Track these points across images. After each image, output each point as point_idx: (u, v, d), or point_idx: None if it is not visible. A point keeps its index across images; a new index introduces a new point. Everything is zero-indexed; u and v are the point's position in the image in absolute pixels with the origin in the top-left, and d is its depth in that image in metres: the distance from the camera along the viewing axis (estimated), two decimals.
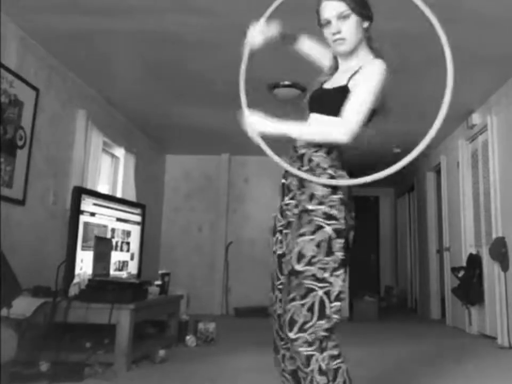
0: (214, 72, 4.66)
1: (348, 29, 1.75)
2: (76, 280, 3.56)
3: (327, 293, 1.59)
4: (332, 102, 1.74)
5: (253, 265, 7.67)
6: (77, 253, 3.76)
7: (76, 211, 3.83)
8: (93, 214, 4.06)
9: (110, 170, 6.04)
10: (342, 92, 1.72)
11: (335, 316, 1.60)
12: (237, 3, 3.49)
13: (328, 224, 1.63)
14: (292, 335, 1.58)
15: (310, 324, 1.56)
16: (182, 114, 5.95)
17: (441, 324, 6.56)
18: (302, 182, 1.72)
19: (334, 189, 1.67)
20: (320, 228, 1.62)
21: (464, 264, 5.57)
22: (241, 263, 7.66)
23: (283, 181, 1.84)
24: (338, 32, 1.76)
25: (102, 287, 3.43)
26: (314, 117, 1.82)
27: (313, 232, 1.62)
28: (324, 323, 1.57)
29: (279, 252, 1.82)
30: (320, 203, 1.65)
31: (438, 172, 7.09)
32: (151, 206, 5.98)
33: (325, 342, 1.58)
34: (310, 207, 1.66)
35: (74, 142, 4.81)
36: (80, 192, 3.94)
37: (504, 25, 3.67)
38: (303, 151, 1.76)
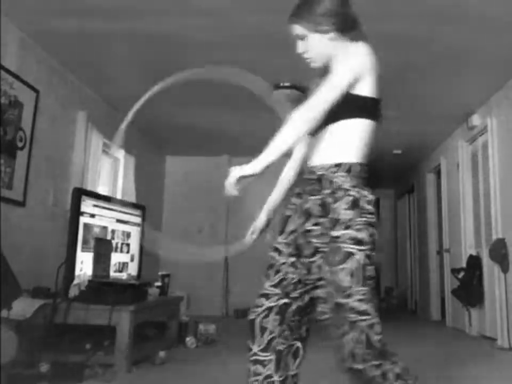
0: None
1: (311, 48, 1.74)
2: (75, 281, 3.56)
3: (371, 327, 1.55)
4: (336, 112, 1.64)
5: (253, 266, 7.67)
6: (77, 254, 3.76)
7: (76, 212, 3.83)
8: (93, 216, 4.06)
9: (110, 171, 6.04)
10: (347, 96, 1.65)
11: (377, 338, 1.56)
12: (237, 4, 3.49)
13: (359, 250, 1.56)
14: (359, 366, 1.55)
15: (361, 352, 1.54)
16: (182, 115, 5.95)
17: (441, 325, 6.56)
18: (326, 207, 1.64)
19: (359, 211, 1.59)
20: (350, 254, 1.55)
21: (464, 265, 5.57)
22: (241, 264, 7.65)
23: (296, 199, 1.78)
24: (304, 53, 1.77)
25: (102, 288, 3.42)
26: (324, 133, 1.71)
27: (342, 261, 1.55)
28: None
29: (272, 261, 1.75)
30: (347, 227, 1.57)
31: (438, 173, 7.09)
32: (151, 207, 5.97)
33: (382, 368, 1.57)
34: (335, 233, 1.58)
35: (74, 143, 4.81)
36: (80, 193, 3.93)
37: (505, 27, 3.67)
38: (320, 172, 1.67)
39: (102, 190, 5.61)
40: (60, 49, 4.28)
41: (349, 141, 1.67)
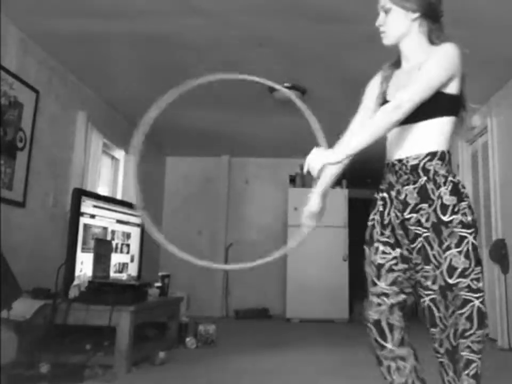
0: (214, 73, 4.65)
1: (389, 22, 1.77)
2: (75, 282, 3.56)
3: (483, 302, 1.64)
4: (426, 107, 1.69)
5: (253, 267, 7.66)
6: (77, 254, 3.75)
7: (76, 213, 3.82)
8: (93, 216, 4.06)
9: (110, 172, 6.04)
10: (437, 96, 1.70)
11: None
12: (237, 4, 3.49)
13: (470, 233, 1.65)
14: (454, 342, 1.64)
15: (470, 332, 1.62)
16: (182, 116, 5.95)
17: None
18: (425, 194, 1.70)
19: (460, 195, 1.69)
20: (464, 238, 1.64)
21: None
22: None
23: (384, 194, 1.81)
24: (381, 25, 1.80)
25: (102, 289, 3.42)
26: (410, 127, 1.75)
27: (458, 244, 1.64)
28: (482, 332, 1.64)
29: (380, 261, 1.78)
30: (454, 212, 1.66)
31: None
32: (151, 208, 5.97)
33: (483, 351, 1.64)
34: (445, 218, 1.66)
35: (74, 144, 4.81)
36: (80, 194, 3.93)
37: (505, 28, 3.67)
38: (414, 162, 1.72)
39: (102, 190, 5.61)
40: (59, 50, 4.29)
41: (439, 133, 1.73)
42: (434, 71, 1.67)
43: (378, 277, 1.77)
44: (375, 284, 1.78)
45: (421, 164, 1.71)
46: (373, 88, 1.93)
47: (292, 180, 7.38)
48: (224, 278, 7.60)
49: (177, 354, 3.97)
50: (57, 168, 4.56)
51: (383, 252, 1.78)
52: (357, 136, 1.63)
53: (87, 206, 3.97)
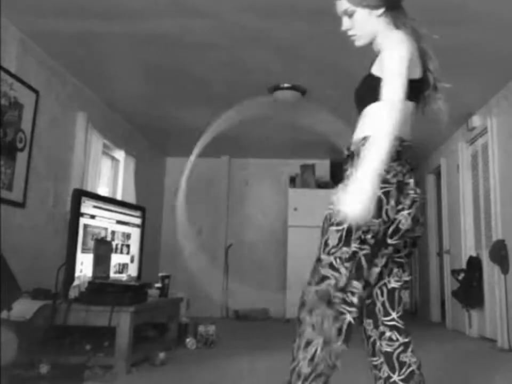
0: (214, 74, 4.66)
1: (357, 24, 1.76)
2: (75, 282, 3.56)
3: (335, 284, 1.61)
4: (364, 97, 1.71)
5: (253, 267, 7.68)
6: (77, 255, 3.76)
7: (76, 213, 3.82)
8: (93, 217, 4.06)
9: (110, 172, 6.04)
10: (368, 80, 1.70)
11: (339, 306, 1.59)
12: (237, 5, 3.49)
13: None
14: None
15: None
16: (182, 116, 5.95)
17: (441, 327, 6.56)
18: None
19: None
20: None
21: (464, 266, 5.57)
22: (242, 265, 7.66)
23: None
24: (348, 29, 1.79)
25: (102, 289, 3.42)
26: (360, 114, 1.76)
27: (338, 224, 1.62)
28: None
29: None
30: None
31: (438, 174, 7.09)
32: (151, 209, 5.97)
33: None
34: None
35: (74, 145, 4.81)
36: (80, 194, 3.93)
37: (505, 28, 3.67)
38: (353, 147, 1.72)
39: (102, 191, 5.61)
40: (59, 50, 4.29)
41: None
42: (396, 56, 1.59)
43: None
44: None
45: (357, 149, 1.68)
46: None
47: (292, 181, 7.39)
48: (224, 278, 7.60)
49: (177, 355, 3.96)
50: (57, 169, 4.56)
51: None
52: (368, 156, 1.52)
53: (87, 206, 3.97)
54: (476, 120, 5.44)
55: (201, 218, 7.83)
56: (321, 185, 7.31)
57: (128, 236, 4.67)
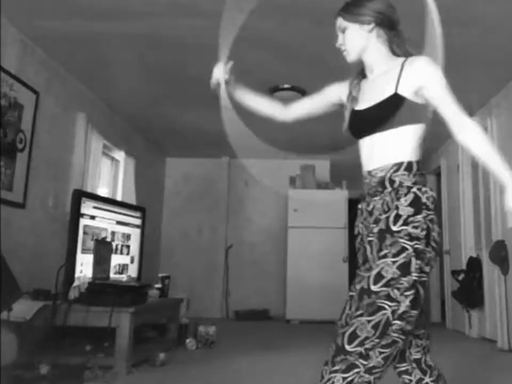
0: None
1: (347, 39, 1.82)
2: (76, 283, 3.56)
3: (394, 313, 1.59)
4: (385, 115, 1.71)
5: (253, 268, 7.68)
6: (77, 256, 3.76)
7: (76, 214, 3.83)
8: (93, 217, 4.06)
9: (110, 173, 6.04)
10: (394, 100, 1.70)
11: (394, 334, 1.59)
12: (236, 6, 3.49)
13: (412, 246, 1.61)
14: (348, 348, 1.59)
15: (370, 339, 1.58)
16: (182, 117, 5.95)
17: (441, 327, 6.55)
18: (385, 204, 1.70)
19: (419, 208, 1.66)
20: (404, 249, 1.61)
21: (464, 267, 5.57)
22: (242, 266, 7.66)
23: (360, 205, 1.84)
24: (341, 45, 1.84)
25: (102, 290, 3.42)
26: (379, 137, 1.75)
27: (396, 255, 1.61)
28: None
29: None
30: (406, 223, 1.63)
31: (438, 175, 7.09)
32: (151, 209, 5.97)
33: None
34: (394, 228, 1.64)
35: (74, 145, 4.81)
36: (80, 195, 3.93)
37: (505, 28, 3.68)
38: (381, 174, 1.73)
39: (102, 191, 5.61)
40: (59, 51, 4.29)
41: (405, 143, 1.73)
42: (447, 94, 1.72)
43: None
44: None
45: (387, 175, 1.71)
46: (336, 87, 1.98)
47: (292, 181, 7.39)
48: (224, 279, 7.60)
49: (177, 355, 3.96)
50: (57, 169, 4.56)
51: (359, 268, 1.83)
52: (497, 160, 1.72)
53: (87, 207, 3.97)
54: (476, 121, 5.43)
55: (201, 218, 7.83)
56: (321, 186, 7.31)
57: (128, 237, 4.67)
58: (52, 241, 4.35)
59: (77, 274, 3.71)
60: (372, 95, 1.77)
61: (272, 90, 4.96)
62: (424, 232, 1.62)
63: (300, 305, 6.78)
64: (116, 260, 4.36)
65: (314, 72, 4.60)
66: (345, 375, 1.55)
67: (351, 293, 1.74)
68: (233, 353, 4.15)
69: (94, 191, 4.91)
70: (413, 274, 1.60)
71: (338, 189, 7.17)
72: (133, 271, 4.71)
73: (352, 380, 1.55)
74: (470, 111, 5.52)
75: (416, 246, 1.61)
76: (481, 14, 3.48)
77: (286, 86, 4.90)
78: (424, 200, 1.68)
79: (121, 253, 4.55)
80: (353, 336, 1.57)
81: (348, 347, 1.58)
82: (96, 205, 4.12)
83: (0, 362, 2.56)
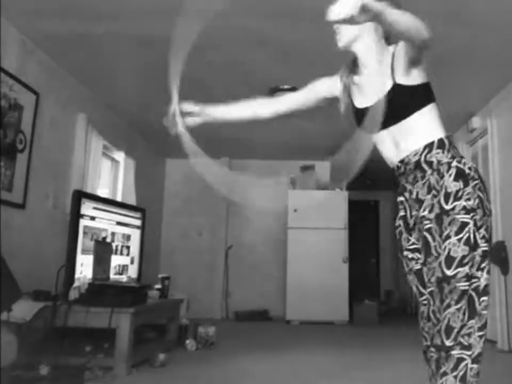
0: (213, 75, 4.66)
1: (343, 25, 1.80)
2: (75, 284, 3.56)
3: (477, 289, 1.59)
4: (404, 104, 1.71)
5: (253, 269, 7.68)
6: (77, 256, 3.76)
7: (76, 215, 3.83)
8: (93, 218, 4.06)
9: (110, 174, 6.04)
10: (398, 89, 1.69)
11: (484, 312, 1.59)
12: (237, 5, 3.49)
13: (471, 218, 1.60)
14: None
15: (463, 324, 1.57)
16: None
17: None
18: (431, 186, 1.68)
19: (466, 179, 1.65)
20: (465, 224, 1.59)
21: None
22: (241, 267, 7.66)
23: (401, 198, 1.80)
24: (337, 28, 1.84)
25: (102, 291, 3.42)
26: (399, 127, 1.74)
27: (458, 231, 1.59)
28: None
29: (417, 267, 1.77)
30: (457, 198, 1.62)
31: None
32: (151, 210, 5.97)
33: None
34: (447, 206, 1.63)
35: (74, 146, 4.81)
36: (80, 196, 3.94)
37: (505, 29, 3.67)
38: (415, 158, 1.72)
39: (102, 192, 5.61)
40: (60, 52, 4.29)
41: (428, 123, 1.73)
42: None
43: (422, 285, 1.76)
44: (420, 293, 1.77)
45: (422, 158, 1.70)
46: (326, 81, 2.05)
47: (292, 182, 7.39)
48: (224, 279, 7.60)
49: (177, 356, 3.96)
50: (57, 170, 4.55)
51: (413, 259, 1.78)
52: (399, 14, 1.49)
53: (87, 208, 3.97)
54: (476, 122, 5.44)
55: (201, 219, 7.83)
56: (321, 186, 7.31)
57: (128, 237, 4.67)
58: (51, 242, 4.35)
59: (77, 275, 3.71)
60: (373, 89, 1.77)
61: (272, 91, 4.96)
62: (477, 201, 1.62)
63: (299, 306, 6.78)
64: (116, 260, 4.37)
65: (314, 72, 4.60)
66: (456, 373, 1.54)
67: (429, 289, 1.69)
68: (233, 354, 4.15)
69: (94, 192, 4.91)
70: (481, 245, 1.60)
71: (338, 189, 7.17)
72: (133, 271, 4.71)
73: (464, 376, 1.54)
74: (470, 112, 5.56)
75: (475, 217, 1.60)
76: (482, 15, 3.48)
77: (286, 86, 4.89)
78: (467, 171, 1.67)
79: (121, 253, 4.55)
80: (449, 330, 1.56)
81: (447, 342, 1.56)
82: (96, 205, 4.12)
83: (0, 363, 2.56)
